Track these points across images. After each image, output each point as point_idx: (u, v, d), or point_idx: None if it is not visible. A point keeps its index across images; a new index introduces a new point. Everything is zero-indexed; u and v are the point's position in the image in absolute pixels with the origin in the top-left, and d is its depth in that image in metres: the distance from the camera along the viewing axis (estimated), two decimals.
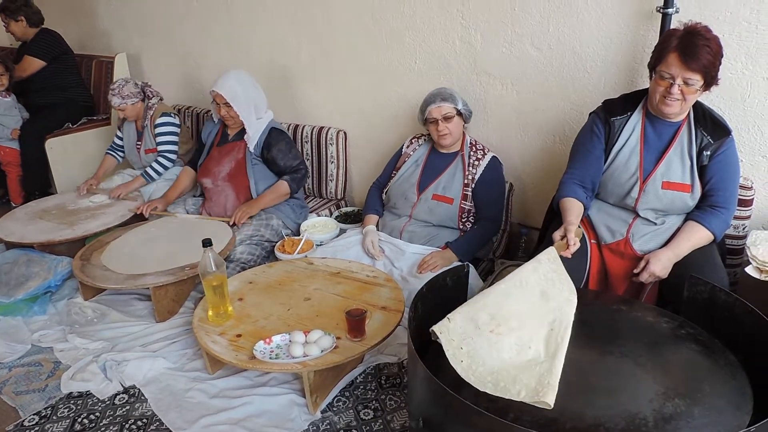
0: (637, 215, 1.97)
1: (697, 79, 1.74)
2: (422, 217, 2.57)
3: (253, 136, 2.87)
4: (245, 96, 2.82)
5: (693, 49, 1.71)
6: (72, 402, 2.07)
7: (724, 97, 2.11)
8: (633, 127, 1.96)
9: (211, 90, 2.84)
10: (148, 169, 3.30)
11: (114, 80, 3.30)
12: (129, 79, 3.32)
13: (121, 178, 3.55)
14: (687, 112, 1.89)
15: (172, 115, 3.35)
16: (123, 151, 3.55)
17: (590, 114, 2.08)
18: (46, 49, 3.95)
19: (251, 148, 2.88)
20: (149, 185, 3.34)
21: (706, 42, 1.72)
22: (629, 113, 1.97)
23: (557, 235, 1.80)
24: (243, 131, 2.91)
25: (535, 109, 2.58)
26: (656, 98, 1.84)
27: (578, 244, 1.75)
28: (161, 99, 3.41)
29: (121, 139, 3.52)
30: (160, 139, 3.30)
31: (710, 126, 1.86)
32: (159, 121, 3.30)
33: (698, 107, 1.90)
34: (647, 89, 1.93)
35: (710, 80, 1.76)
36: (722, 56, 1.76)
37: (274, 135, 2.90)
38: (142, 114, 3.35)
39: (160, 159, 3.30)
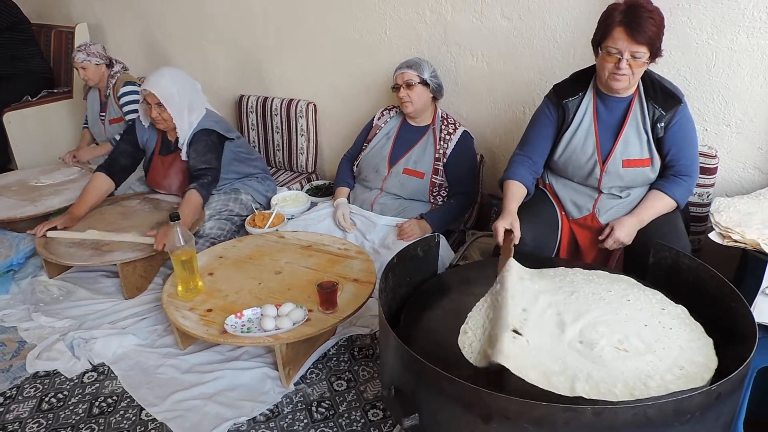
0: (602, 192, 1.99)
1: (643, 52, 1.74)
2: (393, 190, 2.56)
3: (185, 143, 2.68)
4: (179, 97, 2.61)
5: (638, 21, 1.71)
6: (38, 381, 2.03)
7: (689, 67, 2.13)
8: (585, 107, 1.96)
9: (142, 89, 2.62)
10: (117, 137, 3.18)
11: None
12: (98, 43, 3.23)
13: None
14: (636, 86, 1.89)
15: (137, 84, 3.23)
16: None
17: (544, 97, 2.06)
18: None
19: (183, 157, 2.70)
20: None
21: (649, 14, 1.72)
22: (581, 93, 1.96)
23: (501, 227, 1.79)
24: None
25: (505, 81, 2.57)
26: (605, 75, 1.83)
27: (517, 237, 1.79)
28: (125, 68, 3.31)
29: None
30: (126, 108, 3.19)
31: (661, 97, 1.87)
32: (123, 90, 3.18)
33: (647, 78, 1.90)
34: (595, 65, 1.92)
35: (655, 51, 1.77)
36: (665, 27, 1.77)
37: (197, 136, 2.67)
38: (105, 81, 3.25)
39: None
